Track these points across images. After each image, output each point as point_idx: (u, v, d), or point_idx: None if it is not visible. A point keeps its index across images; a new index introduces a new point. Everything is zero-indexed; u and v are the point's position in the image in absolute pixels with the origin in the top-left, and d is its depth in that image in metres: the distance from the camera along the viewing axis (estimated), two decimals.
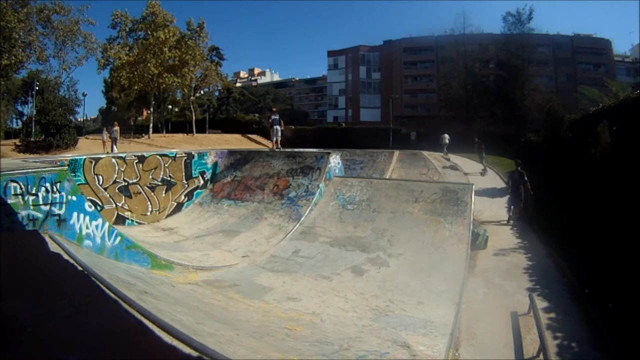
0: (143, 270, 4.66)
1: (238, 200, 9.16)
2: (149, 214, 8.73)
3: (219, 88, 43.00)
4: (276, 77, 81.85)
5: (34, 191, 3.94)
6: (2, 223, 3.57)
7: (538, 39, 36.02)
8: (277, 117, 11.35)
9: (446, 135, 21.85)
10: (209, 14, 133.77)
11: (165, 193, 9.20)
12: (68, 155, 10.49)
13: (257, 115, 45.35)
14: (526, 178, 9.53)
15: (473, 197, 7.11)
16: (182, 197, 9.56)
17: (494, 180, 14.62)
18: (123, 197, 8.29)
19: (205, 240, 7.18)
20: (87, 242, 4.40)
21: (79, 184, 6.28)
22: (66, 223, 4.20)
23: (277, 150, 10.69)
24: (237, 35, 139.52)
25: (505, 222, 9.37)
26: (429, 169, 14.38)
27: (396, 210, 7.25)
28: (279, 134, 11.18)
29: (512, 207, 9.62)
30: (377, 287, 5.02)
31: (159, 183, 9.14)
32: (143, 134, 31.08)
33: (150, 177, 9.03)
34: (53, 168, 4.35)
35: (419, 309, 4.35)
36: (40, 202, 3.98)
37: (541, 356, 3.94)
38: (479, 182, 13.11)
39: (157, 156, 9.43)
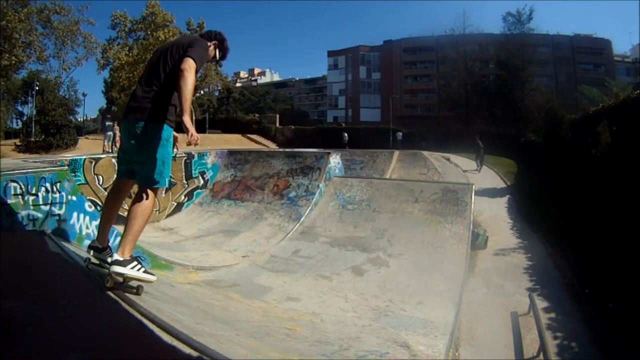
0: None
1: (238, 200, 9.16)
2: None
3: (219, 88, 42.90)
4: (276, 77, 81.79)
5: (34, 191, 3.92)
6: (2, 223, 3.56)
7: (538, 39, 36.05)
8: (111, 123, 14.90)
9: (345, 134, 28.41)
10: (209, 14, 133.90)
11: (165, 193, 9.19)
12: (68, 155, 10.48)
13: (257, 115, 45.31)
14: (482, 146, 16.94)
15: (473, 197, 7.12)
16: (182, 197, 9.55)
17: (494, 180, 14.62)
18: None
19: (205, 240, 7.17)
20: (87, 242, 4.39)
21: (79, 184, 6.27)
22: (66, 223, 4.20)
23: (108, 151, 12.95)
24: (237, 35, 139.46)
25: (476, 171, 16.40)
26: (429, 169, 14.37)
27: (396, 210, 7.25)
28: (115, 137, 14.27)
29: (477, 161, 17.18)
30: (377, 287, 5.02)
31: None
32: None
33: None
34: (53, 168, 4.34)
35: (419, 309, 4.34)
36: (40, 202, 3.96)
37: (541, 356, 3.94)
38: (478, 181, 13.14)
39: None
